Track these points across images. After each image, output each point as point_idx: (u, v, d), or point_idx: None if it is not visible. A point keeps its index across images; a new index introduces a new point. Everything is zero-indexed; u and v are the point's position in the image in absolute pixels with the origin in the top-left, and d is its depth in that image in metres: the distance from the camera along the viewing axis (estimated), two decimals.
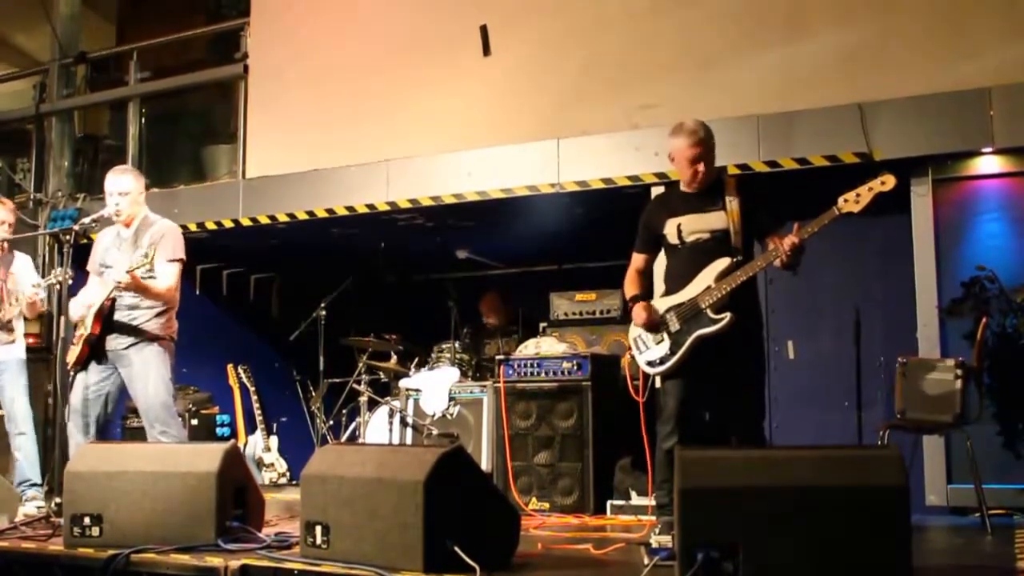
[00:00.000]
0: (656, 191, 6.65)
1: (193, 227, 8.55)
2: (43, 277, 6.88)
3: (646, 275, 5.40)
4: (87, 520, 4.70)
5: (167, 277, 5.90)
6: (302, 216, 8.25)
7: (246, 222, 8.51)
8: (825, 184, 4.89)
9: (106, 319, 5.87)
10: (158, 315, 5.95)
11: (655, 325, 5.08)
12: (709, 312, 4.90)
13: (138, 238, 5.96)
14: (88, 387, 5.89)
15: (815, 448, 4.01)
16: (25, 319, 7.13)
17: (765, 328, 5.39)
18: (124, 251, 5.96)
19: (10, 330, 6.96)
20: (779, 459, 3.88)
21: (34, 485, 6.82)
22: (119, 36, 11.98)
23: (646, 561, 4.16)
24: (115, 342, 5.90)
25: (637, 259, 5.37)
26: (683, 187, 5.18)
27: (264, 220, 8.44)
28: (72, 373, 5.92)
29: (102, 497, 4.72)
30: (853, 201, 4.69)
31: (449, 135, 7.75)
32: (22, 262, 7.18)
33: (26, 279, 6.87)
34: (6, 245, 7.10)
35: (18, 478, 6.86)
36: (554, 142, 7.28)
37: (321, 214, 8.18)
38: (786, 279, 6.60)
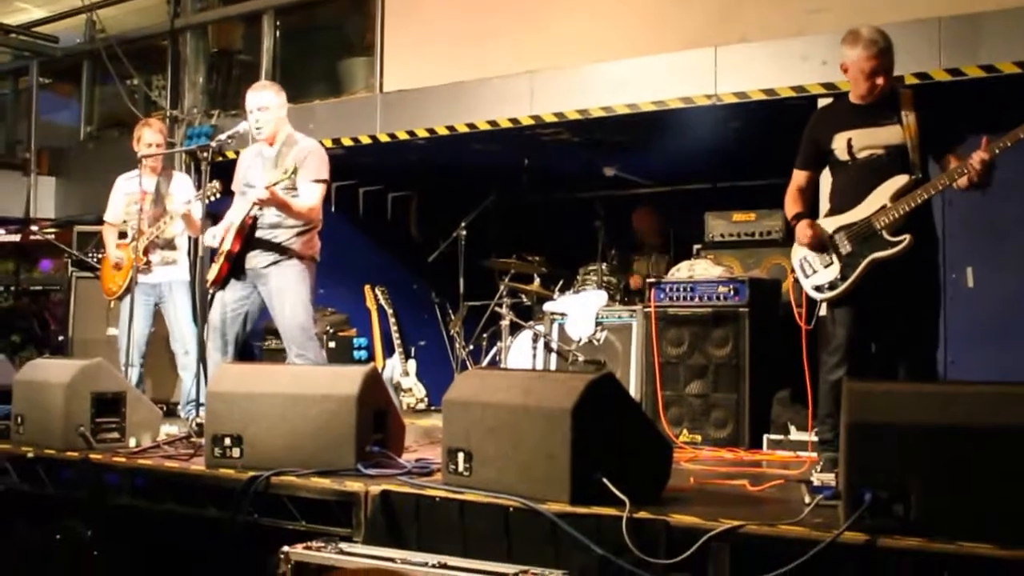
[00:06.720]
0: (823, 103, 6.47)
1: (329, 143, 8.61)
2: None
3: (809, 194, 5.31)
4: (228, 441, 4.88)
5: (310, 197, 6.01)
6: (442, 131, 8.26)
7: (384, 138, 8.58)
8: (1014, 94, 4.67)
9: (247, 237, 6.01)
10: (300, 233, 6.08)
11: (822, 245, 4.99)
12: (885, 234, 4.80)
13: (282, 157, 6.04)
14: (227, 305, 6.06)
15: (997, 384, 3.89)
16: (190, 239, 7.44)
17: (942, 254, 5.24)
18: (267, 170, 6.06)
19: (172, 248, 7.25)
20: (957, 395, 3.75)
21: (200, 405, 7.14)
22: None
23: (807, 500, 4.09)
24: (255, 260, 6.05)
25: (799, 176, 5.27)
26: (853, 99, 5.03)
27: (402, 136, 8.49)
28: (211, 291, 6.10)
29: (242, 418, 4.88)
30: None
31: (597, 44, 7.63)
32: (180, 181, 7.44)
33: (181, 197, 7.11)
34: (159, 166, 7.37)
35: (184, 398, 7.19)
36: (711, 50, 7.09)
37: (462, 129, 8.17)
38: (966, 200, 6.35)
